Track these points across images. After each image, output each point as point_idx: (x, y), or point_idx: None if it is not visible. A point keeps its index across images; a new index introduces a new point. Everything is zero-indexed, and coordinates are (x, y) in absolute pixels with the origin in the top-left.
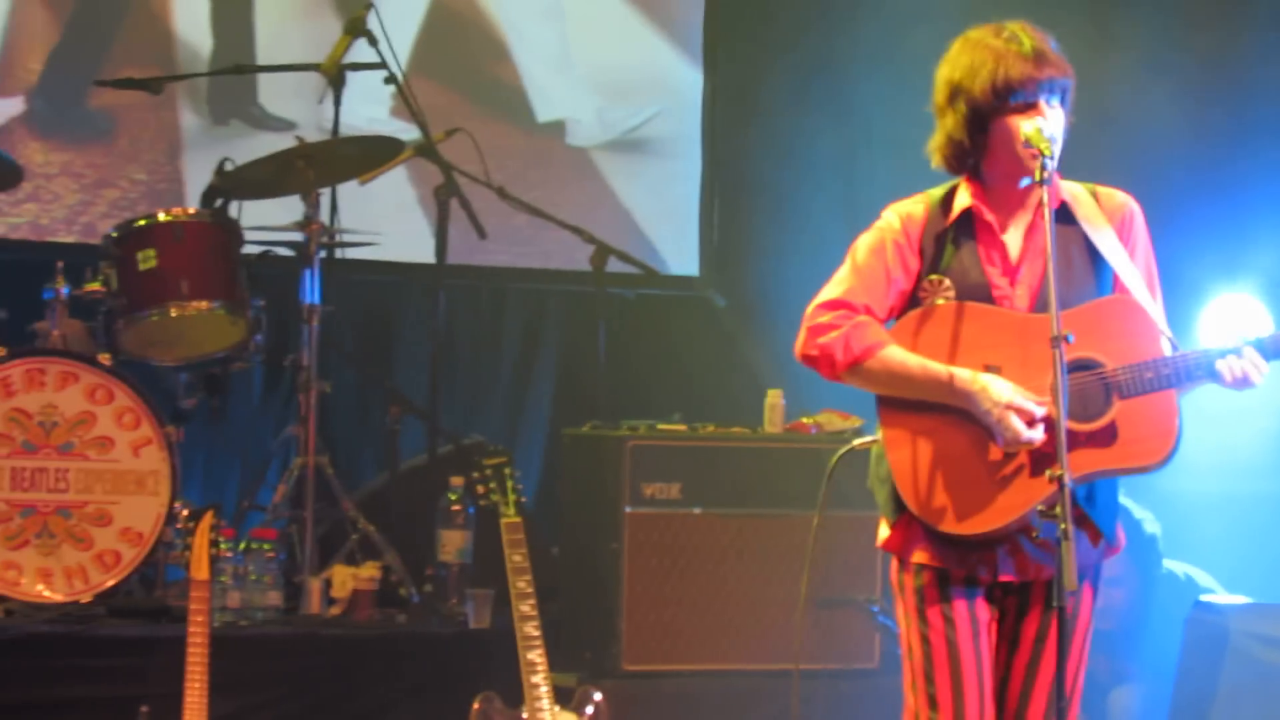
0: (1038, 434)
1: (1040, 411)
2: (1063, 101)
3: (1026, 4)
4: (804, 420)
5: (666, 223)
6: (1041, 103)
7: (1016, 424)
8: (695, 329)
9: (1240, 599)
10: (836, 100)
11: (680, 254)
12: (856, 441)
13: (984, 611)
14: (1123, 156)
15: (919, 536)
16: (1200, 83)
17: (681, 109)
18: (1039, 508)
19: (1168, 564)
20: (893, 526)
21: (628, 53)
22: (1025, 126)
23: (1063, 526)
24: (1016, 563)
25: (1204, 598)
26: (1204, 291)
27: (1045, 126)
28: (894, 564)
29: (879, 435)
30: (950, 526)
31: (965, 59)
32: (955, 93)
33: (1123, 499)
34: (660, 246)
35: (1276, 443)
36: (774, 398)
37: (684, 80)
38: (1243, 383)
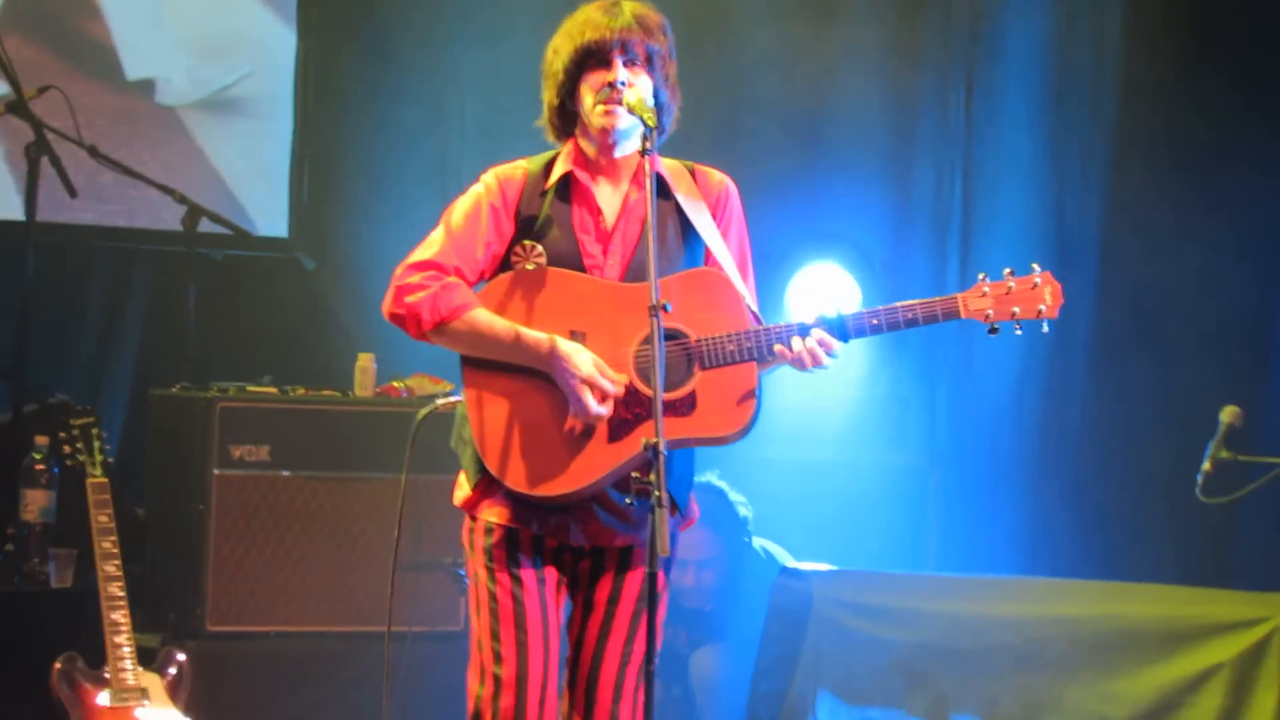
0: (605, 409)
1: (614, 389)
2: (650, 67)
3: None
4: (395, 384)
5: (257, 184)
6: (616, 60)
7: (589, 399)
8: (286, 291)
9: (823, 566)
10: (430, 67)
11: (270, 215)
12: (440, 402)
13: (552, 574)
14: (714, 128)
15: (495, 496)
16: (791, 64)
17: (273, 70)
18: (629, 473)
19: (754, 541)
20: (473, 487)
21: (220, 12)
22: (629, 96)
23: (656, 494)
24: (588, 529)
25: (789, 563)
26: (793, 262)
27: (647, 96)
28: (466, 522)
29: (463, 396)
30: (527, 488)
31: (566, 26)
32: (552, 57)
33: (718, 482)
34: (250, 208)
35: (854, 410)
36: (365, 361)
37: (277, 41)
38: (807, 363)
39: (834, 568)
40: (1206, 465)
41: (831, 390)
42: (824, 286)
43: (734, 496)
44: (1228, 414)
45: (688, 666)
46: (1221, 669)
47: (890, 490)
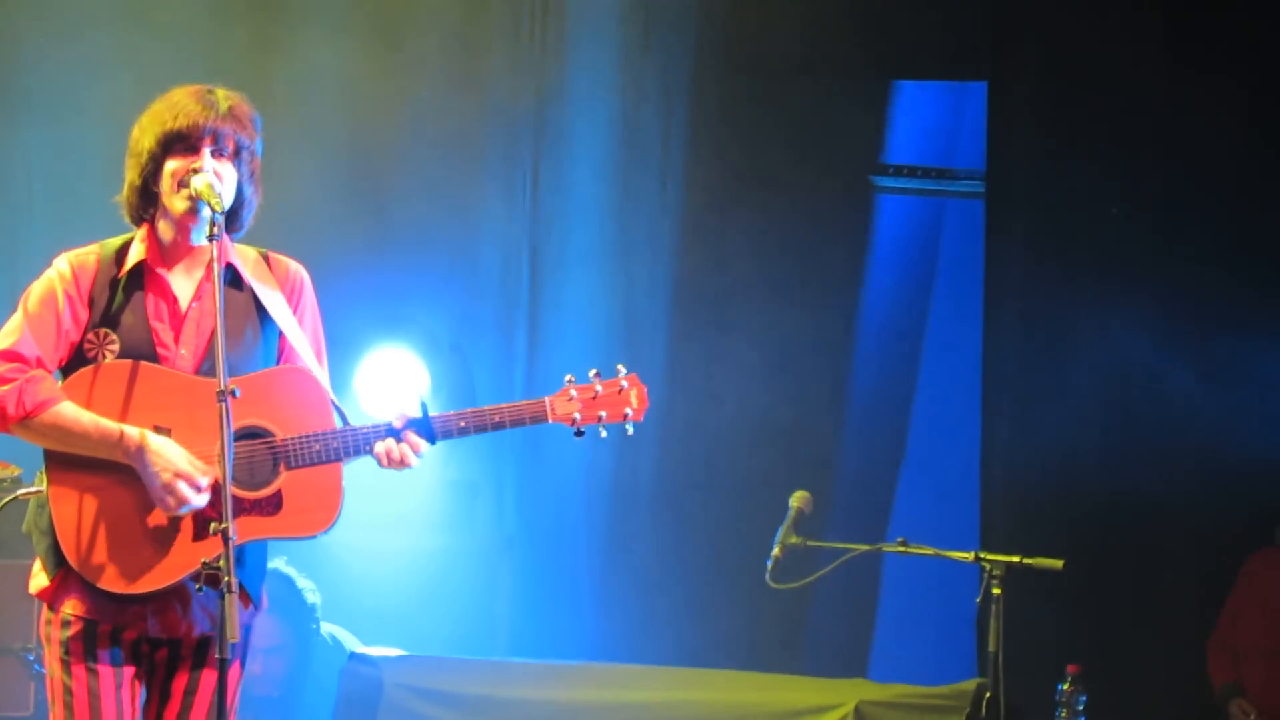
0: (202, 500)
1: (205, 481)
2: (238, 160)
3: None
4: None
5: None
6: (204, 149)
7: (186, 491)
8: None
9: (393, 651)
10: None
11: None
12: (21, 493)
13: (130, 667)
14: (279, 211)
15: (74, 588)
16: (353, 144)
17: None
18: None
19: (322, 627)
20: (51, 578)
21: None
22: (196, 181)
23: (226, 579)
24: (165, 621)
25: (358, 649)
26: (359, 346)
27: (215, 182)
28: (44, 613)
29: (44, 486)
30: (110, 585)
31: (156, 107)
32: (139, 135)
33: (286, 568)
34: None
35: (423, 494)
36: None
37: None
38: (400, 464)
39: (404, 653)
40: (776, 550)
41: (400, 474)
42: (392, 371)
43: (302, 583)
44: (797, 499)
45: None
46: None
47: (461, 574)
